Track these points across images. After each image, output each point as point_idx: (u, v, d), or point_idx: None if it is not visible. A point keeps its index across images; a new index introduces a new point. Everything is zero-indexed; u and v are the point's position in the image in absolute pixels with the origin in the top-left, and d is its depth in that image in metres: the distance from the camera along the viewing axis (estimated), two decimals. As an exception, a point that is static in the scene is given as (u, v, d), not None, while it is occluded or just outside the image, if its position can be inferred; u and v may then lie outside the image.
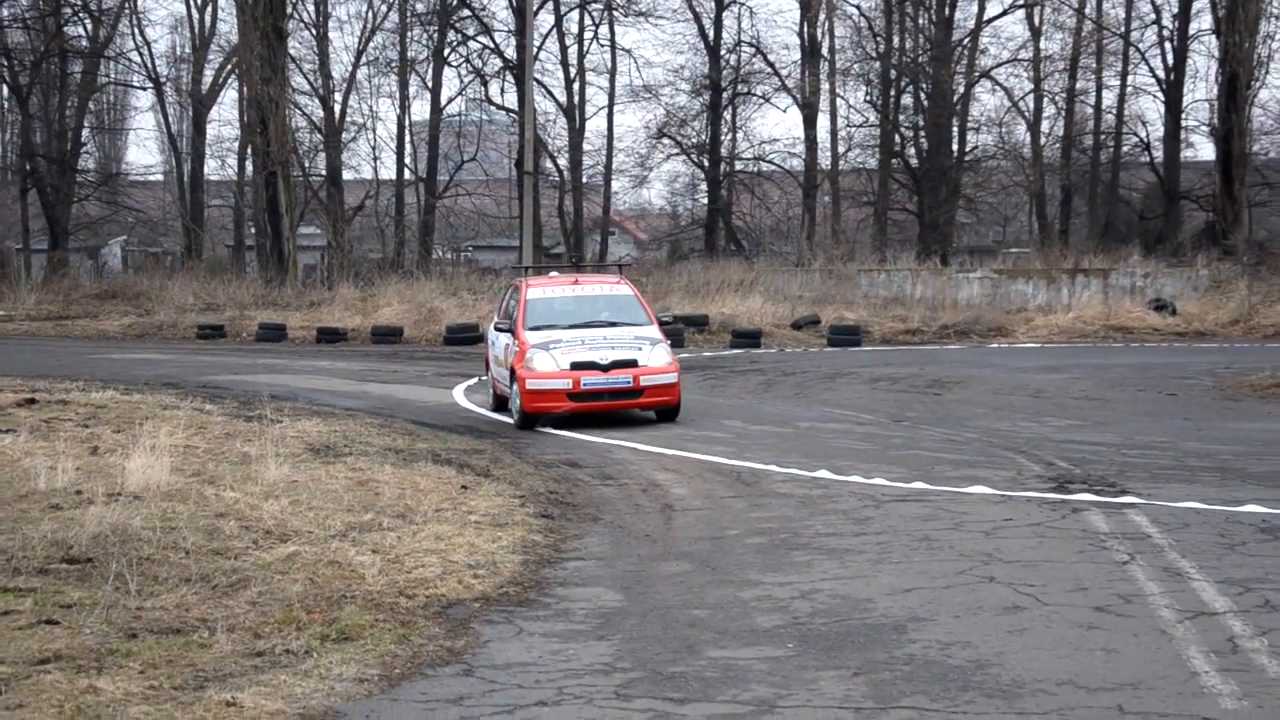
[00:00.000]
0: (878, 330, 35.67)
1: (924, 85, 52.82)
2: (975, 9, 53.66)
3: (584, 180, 54.05)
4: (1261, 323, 34.86)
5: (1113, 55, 55.36)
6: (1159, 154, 55.38)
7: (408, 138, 53.06)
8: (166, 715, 6.74)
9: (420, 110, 53.21)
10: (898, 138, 53.52)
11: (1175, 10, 53.37)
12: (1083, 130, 56.20)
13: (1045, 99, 54.96)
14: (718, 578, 9.72)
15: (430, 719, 6.80)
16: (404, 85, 51.17)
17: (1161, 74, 54.24)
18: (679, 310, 37.20)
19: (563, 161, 54.03)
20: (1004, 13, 54.32)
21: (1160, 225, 52.51)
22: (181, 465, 13.03)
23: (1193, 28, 53.04)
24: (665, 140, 54.60)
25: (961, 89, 53.31)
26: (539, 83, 50.01)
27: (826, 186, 54.80)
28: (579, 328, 19.00)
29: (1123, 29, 54.97)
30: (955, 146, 53.36)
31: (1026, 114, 55.07)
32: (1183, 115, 53.72)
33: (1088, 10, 54.23)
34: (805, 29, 53.22)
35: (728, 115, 54.47)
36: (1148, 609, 8.55)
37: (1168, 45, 53.91)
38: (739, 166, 55.71)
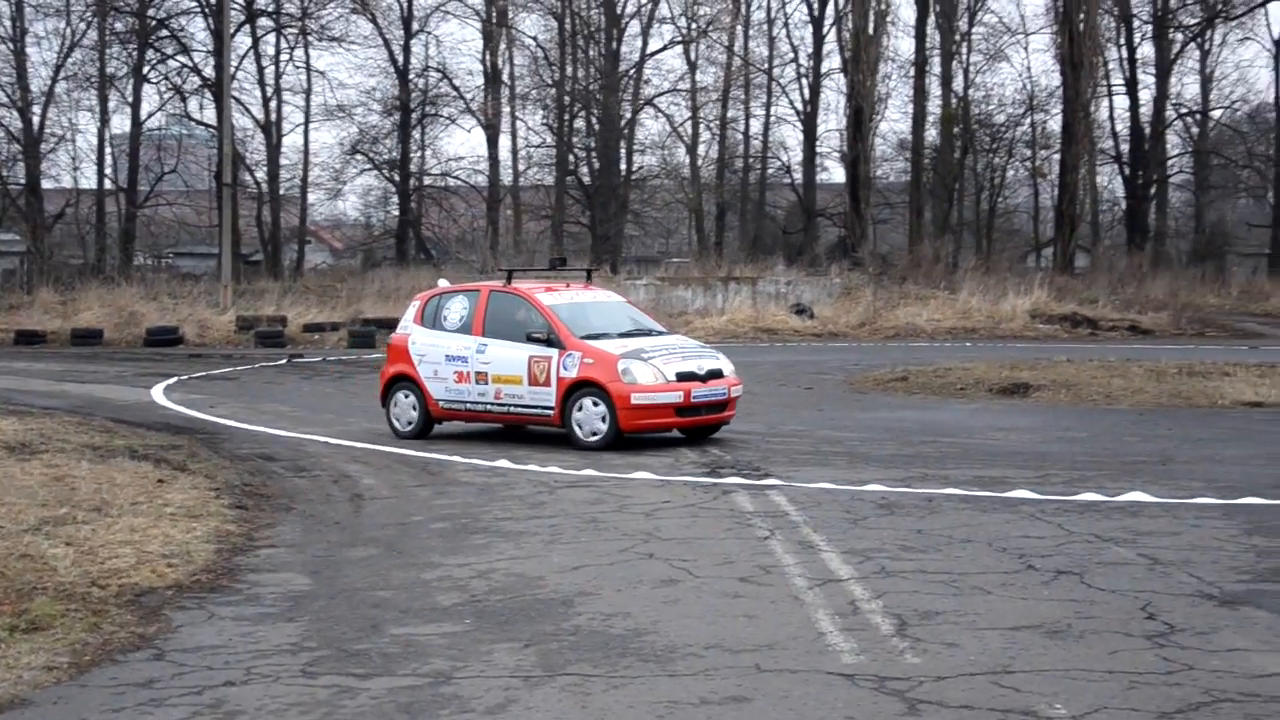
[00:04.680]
0: (554, 332, 35.73)
1: (595, 111, 53.52)
2: (640, 43, 54.71)
3: (281, 193, 52.64)
4: (884, 325, 36.53)
5: (758, 88, 57.35)
6: (799, 176, 57.67)
7: (108, 150, 50.62)
8: None
9: (120, 124, 50.84)
10: (572, 158, 54.06)
11: (810, 50, 55.63)
12: (734, 154, 58.01)
13: (702, 125, 56.49)
14: (402, 561, 9.58)
15: (119, 702, 6.47)
16: (104, 100, 48.78)
17: (800, 106, 56.53)
18: (372, 314, 36.67)
19: (261, 174, 52.49)
20: (664, 48, 55.57)
21: (801, 239, 54.59)
22: (-128, 466, 12.10)
23: (825, 66, 55.46)
24: (358, 156, 53.81)
25: (628, 115, 54.23)
26: (237, 100, 48.48)
27: (508, 201, 54.93)
28: (630, 336, 15.95)
29: (766, 65, 56.92)
30: (623, 166, 54.24)
31: (685, 139, 56.45)
32: (818, 143, 56.08)
33: (736, 48, 55.98)
34: (488, 57, 53.28)
35: (417, 134, 54.05)
36: (784, 578, 8.81)
37: (804, 81, 56.22)
38: (428, 181, 55.35)
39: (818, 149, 56.38)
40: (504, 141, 53.77)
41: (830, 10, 54.55)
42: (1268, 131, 57.48)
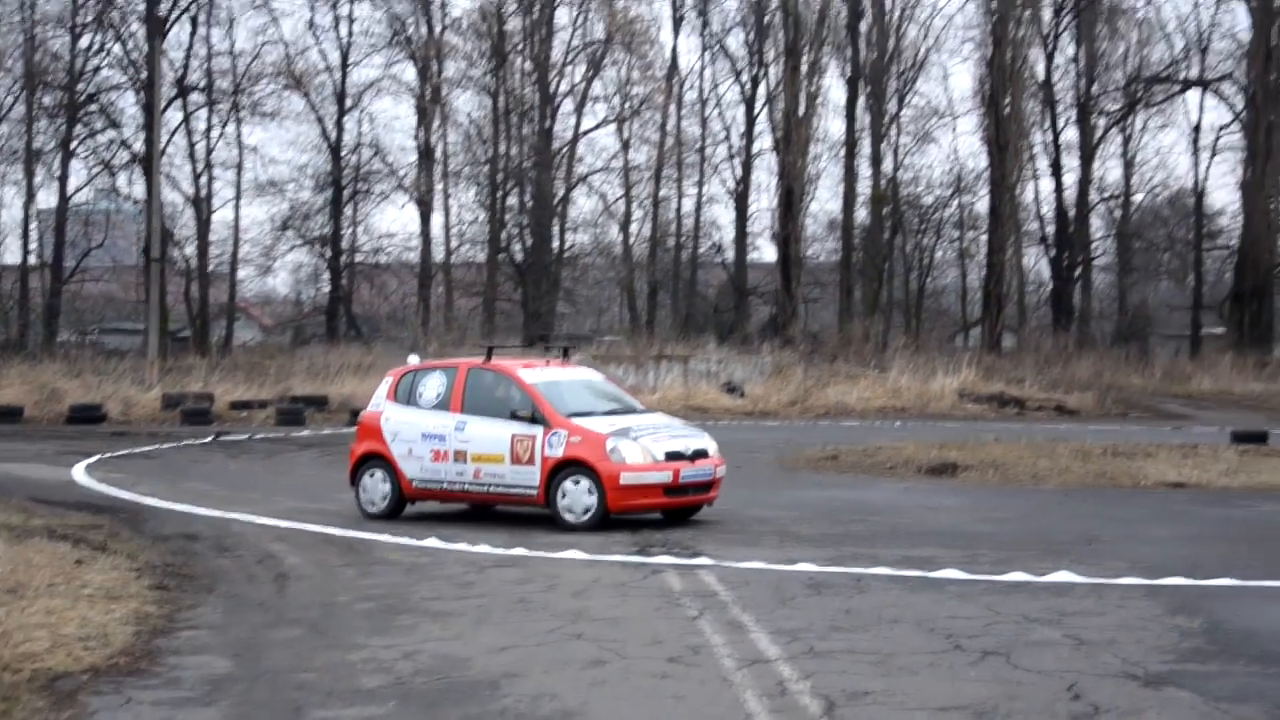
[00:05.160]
0: (485, 409, 35.69)
1: (528, 188, 53.80)
2: (573, 121, 55.17)
3: (210, 269, 52.36)
4: (814, 404, 36.74)
5: (691, 167, 57.89)
6: (731, 255, 58.18)
7: (33, 225, 50.09)
8: None
9: (46, 199, 50.39)
10: (504, 235, 54.24)
11: (742, 130, 56.34)
12: (666, 232, 58.41)
13: (634, 203, 56.90)
14: (326, 642, 9.46)
15: (31, 792, 6.33)
16: (30, 175, 48.38)
17: (732, 185, 57.15)
18: (300, 391, 36.41)
19: (190, 250, 52.24)
20: (597, 126, 56.08)
21: (732, 317, 54.97)
22: None
23: (756, 146, 56.19)
24: (289, 232, 53.70)
25: (561, 192, 54.56)
26: (166, 176, 48.29)
27: (440, 278, 54.95)
28: (615, 415, 15.62)
29: (699, 145, 57.55)
30: (556, 244, 54.49)
31: (618, 216, 56.81)
32: (749, 221, 56.71)
33: (669, 127, 56.57)
34: (421, 133, 53.47)
35: (349, 210, 54.04)
36: (713, 659, 8.79)
37: (736, 161, 56.88)
38: (359, 258, 55.29)
39: (749, 228, 57.03)
40: (436, 218, 53.94)
41: (762, 91, 55.41)
42: (1187, 216, 58.82)
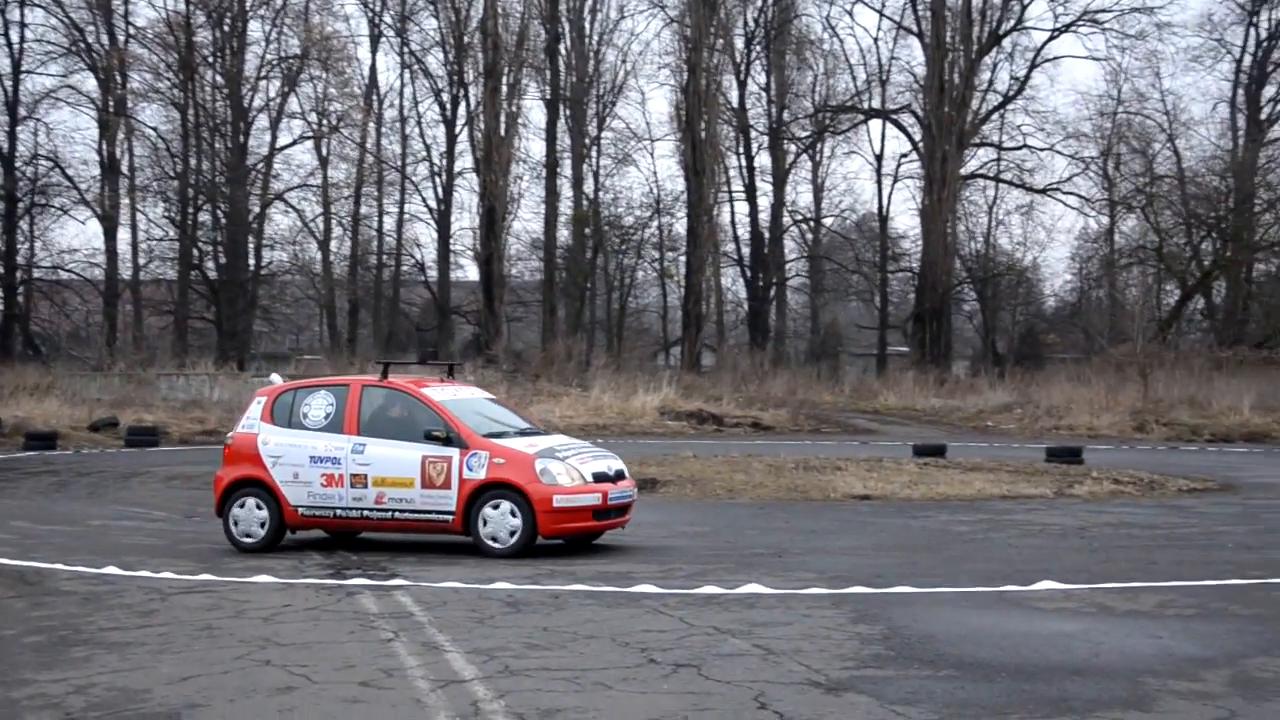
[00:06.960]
0: (176, 431, 34.54)
1: (221, 204, 52.21)
2: (269, 137, 53.85)
3: None
4: (518, 422, 36.82)
5: (391, 186, 57.42)
6: (433, 273, 57.89)
7: None
8: None
9: None
10: (196, 251, 52.49)
11: (443, 149, 56.14)
12: (367, 250, 57.69)
13: (334, 221, 55.97)
14: (-11, 680, 8.89)
15: None
16: None
17: (433, 204, 56.84)
18: (-31, 414, 34.30)
19: None
20: (294, 142, 54.99)
21: (435, 336, 54.62)
22: None
23: (458, 166, 56.09)
24: (-42, 246, 50.52)
25: (257, 209, 53.19)
26: None
27: (128, 295, 52.72)
28: (527, 435, 14.97)
29: (399, 163, 57.08)
30: (252, 261, 53.04)
31: (317, 234, 55.75)
32: (452, 240, 56.57)
33: (368, 145, 55.90)
34: (104, 146, 51.20)
35: (25, 224, 51.24)
36: (406, 681, 8.65)
37: (437, 180, 56.66)
38: (37, 274, 52.51)
39: (452, 247, 56.87)
40: (123, 234, 51.74)
41: (462, 111, 55.32)
42: (873, 239, 61.63)
